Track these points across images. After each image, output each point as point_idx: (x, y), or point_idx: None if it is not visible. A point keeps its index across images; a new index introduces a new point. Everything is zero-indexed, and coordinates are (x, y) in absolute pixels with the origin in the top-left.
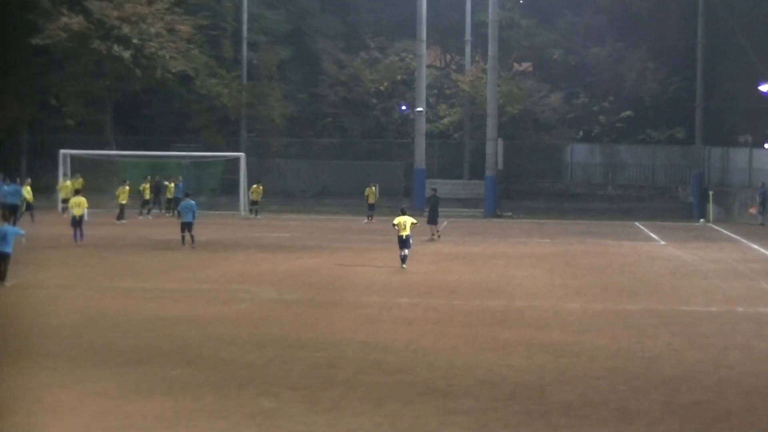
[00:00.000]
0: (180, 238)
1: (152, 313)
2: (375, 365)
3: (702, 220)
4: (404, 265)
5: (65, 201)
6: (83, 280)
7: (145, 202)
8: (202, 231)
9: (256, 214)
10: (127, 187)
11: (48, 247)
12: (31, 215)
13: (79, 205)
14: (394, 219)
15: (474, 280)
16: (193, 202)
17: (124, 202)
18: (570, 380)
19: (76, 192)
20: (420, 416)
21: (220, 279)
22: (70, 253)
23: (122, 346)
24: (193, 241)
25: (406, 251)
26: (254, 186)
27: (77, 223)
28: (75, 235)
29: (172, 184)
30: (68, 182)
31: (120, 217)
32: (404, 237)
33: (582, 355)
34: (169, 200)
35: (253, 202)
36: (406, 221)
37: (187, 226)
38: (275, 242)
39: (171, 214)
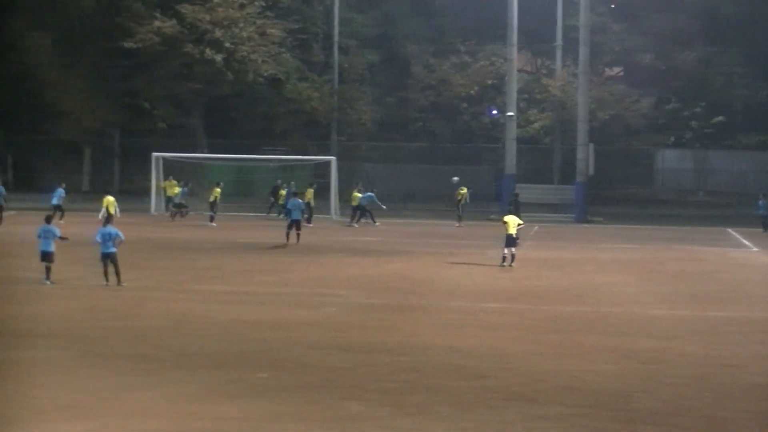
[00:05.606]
0: (285, 234)
1: (238, 317)
2: (460, 370)
3: None
4: (512, 264)
5: (169, 200)
6: (169, 283)
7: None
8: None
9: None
10: (218, 189)
11: (135, 249)
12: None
13: (113, 204)
14: (504, 217)
15: (561, 285)
16: (300, 201)
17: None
18: (656, 387)
19: (106, 192)
20: (505, 422)
21: (307, 282)
22: (157, 255)
23: (208, 349)
24: (298, 239)
25: (513, 250)
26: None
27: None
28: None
29: (284, 190)
30: (173, 180)
31: (211, 218)
32: (511, 236)
33: (669, 362)
34: (282, 205)
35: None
36: (512, 221)
37: (295, 224)
38: (364, 246)
39: (281, 216)
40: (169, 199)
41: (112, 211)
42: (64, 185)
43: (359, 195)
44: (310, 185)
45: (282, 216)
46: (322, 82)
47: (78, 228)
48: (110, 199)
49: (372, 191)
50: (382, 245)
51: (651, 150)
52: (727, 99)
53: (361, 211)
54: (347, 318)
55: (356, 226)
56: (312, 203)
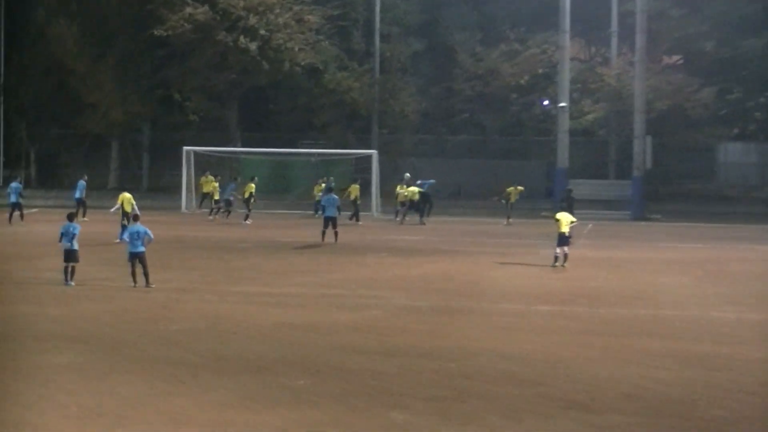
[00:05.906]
0: (320, 233)
1: (276, 320)
2: (512, 377)
3: None
4: (565, 264)
5: (204, 196)
6: (204, 284)
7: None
8: (329, 233)
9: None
10: (253, 184)
11: (165, 248)
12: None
13: (130, 201)
14: (556, 214)
15: (618, 286)
16: (336, 197)
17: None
18: (721, 395)
19: (123, 189)
20: None
21: (348, 284)
22: (191, 254)
23: (245, 353)
24: (336, 238)
25: (566, 249)
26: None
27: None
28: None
29: (323, 185)
30: (209, 176)
31: (246, 216)
32: (564, 234)
33: (734, 369)
34: (318, 201)
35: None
36: (565, 218)
37: (330, 221)
38: (407, 245)
39: (318, 213)
40: (204, 196)
41: (128, 208)
42: (86, 177)
43: (416, 189)
44: (355, 180)
45: (319, 214)
46: (363, 72)
47: (103, 226)
48: (127, 195)
49: (419, 181)
50: (427, 244)
51: (712, 143)
52: None
53: (427, 204)
54: (391, 321)
55: (398, 220)
56: (358, 200)
